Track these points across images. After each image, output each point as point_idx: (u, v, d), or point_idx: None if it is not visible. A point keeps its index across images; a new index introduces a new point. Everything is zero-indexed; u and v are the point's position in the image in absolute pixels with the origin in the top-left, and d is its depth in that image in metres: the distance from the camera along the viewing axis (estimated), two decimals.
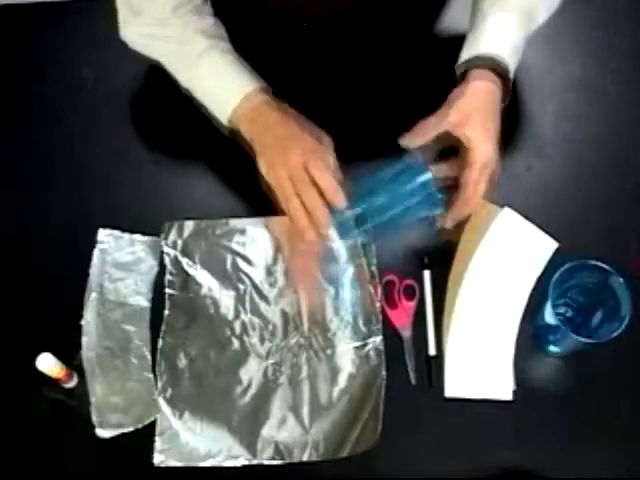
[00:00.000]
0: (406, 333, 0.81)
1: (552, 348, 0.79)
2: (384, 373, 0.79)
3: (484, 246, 0.84)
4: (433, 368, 0.80)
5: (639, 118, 0.92)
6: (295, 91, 0.83)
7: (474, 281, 0.82)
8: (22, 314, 0.85)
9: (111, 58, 0.97)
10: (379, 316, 0.81)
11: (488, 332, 0.81)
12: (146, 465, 0.77)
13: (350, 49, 0.96)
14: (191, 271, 0.85)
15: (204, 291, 0.84)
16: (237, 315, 0.83)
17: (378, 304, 0.82)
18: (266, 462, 0.77)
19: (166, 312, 0.83)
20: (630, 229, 0.86)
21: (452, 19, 0.98)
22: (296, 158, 0.74)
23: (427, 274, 0.84)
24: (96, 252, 0.86)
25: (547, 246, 0.84)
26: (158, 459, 0.77)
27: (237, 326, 0.83)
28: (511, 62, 0.78)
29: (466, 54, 0.78)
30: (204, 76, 0.83)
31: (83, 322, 0.82)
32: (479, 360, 0.80)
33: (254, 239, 0.87)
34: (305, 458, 0.77)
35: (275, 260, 0.86)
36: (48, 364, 0.76)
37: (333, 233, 0.75)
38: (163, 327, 0.83)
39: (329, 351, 0.81)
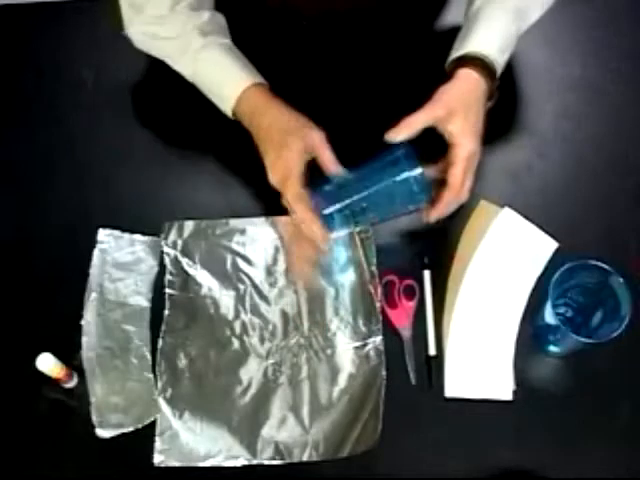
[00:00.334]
0: (406, 333, 0.81)
1: (552, 348, 0.79)
2: (384, 373, 0.79)
3: (484, 246, 0.84)
4: (433, 368, 0.80)
5: (639, 118, 0.92)
6: (294, 89, 0.83)
7: (474, 281, 0.82)
8: (22, 314, 0.85)
9: (111, 58, 0.98)
10: (379, 316, 0.81)
11: (488, 332, 0.81)
12: (146, 465, 0.77)
13: (349, 48, 0.96)
14: (191, 271, 0.85)
15: (204, 291, 0.84)
16: (237, 315, 0.83)
17: (378, 304, 0.82)
18: (266, 462, 0.77)
19: (166, 312, 0.83)
20: (630, 229, 0.86)
21: (451, 18, 0.98)
22: (292, 157, 0.75)
23: (427, 274, 0.84)
24: (96, 252, 0.86)
25: (547, 246, 0.84)
26: (158, 459, 0.77)
27: (237, 326, 0.83)
28: (499, 61, 0.78)
29: (455, 52, 0.79)
30: (203, 73, 0.83)
31: (83, 322, 0.82)
32: (479, 360, 0.80)
33: (254, 239, 0.87)
34: (305, 458, 0.77)
35: (275, 260, 0.86)
36: (48, 364, 0.76)
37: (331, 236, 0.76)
38: (163, 327, 0.83)
39: (329, 351, 0.81)
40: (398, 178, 0.75)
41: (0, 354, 0.83)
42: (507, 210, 0.85)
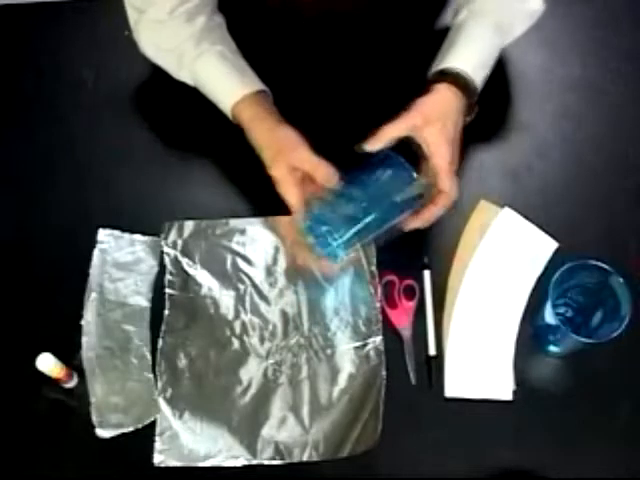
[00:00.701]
0: (406, 333, 0.81)
1: (552, 348, 0.79)
2: (384, 373, 0.79)
3: (484, 246, 0.84)
4: (433, 368, 0.80)
5: (639, 118, 0.92)
6: (294, 90, 0.84)
7: (474, 281, 0.82)
8: (22, 314, 0.85)
9: (111, 58, 0.97)
10: (379, 316, 0.81)
11: (488, 332, 0.81)
12: (146, 465, 0.77)
13: (349, 49, 0.96)
14: (191, 271, 0.85)
15: (204, 291, 0.84)
16: (237, 315, 0.83)
17: (378, 304, 0.82)
18: (266, 462, 0.77)
19: (166, 312, 0.83)
20: (630, 229, 0.86)
21: (450, 20, 0.97)
22: (284, 182, 0.75)
23: (427, 274, 0.84)
24: (96, 252, 0.86)
25: (547, 246, 0.84)
26: (158, 459, 0.77)
27: (237, 326, 0.83)
28: (478, 77, 0.79)
29: (435, 65, 0.80)
30: (200, 83, 0.84)
31: (83, 322, 0.82)
32: (479, 360, 0.80)
33: (254, 239, 0.87)
34: (305, 458, 0.77)
35: (275, 260, 0.86)
36: (48, 364, 0.76)
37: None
38: (163, 327, 0.83)
39: (329, 351, 0.81)
40: (397, 175, 0.75)
41: (0, 354, 0.83)
42: (507, 210, 0.85)
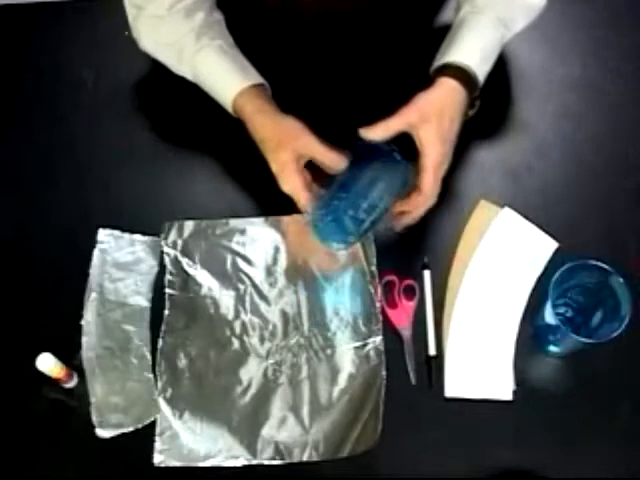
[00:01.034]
0: (406, 333, 0.81)
1: (552, 348, 0.79)
2: (384, 373, 0.79)
3: (484, 246, 0.84)
4: (433, 368, 0.80)
5: (639, 118, 0.92)
6: (294, 89, 0.84)
7: (474, 281, 0.82)
8: (22, 314, 0.85)
9: (111, 58, 0.97)
10: (379, 316, 0.81)
11: (488, 332, 0.81)
12: (146, 465, 0.77)
13: (349, 48, 0.95)
14: (191, 271, 0.85)
15: (204, 291, 0.84)
16: (237, 315, 0.83)
17: (378, 304, 0.82)
18: (266, 462, 0.77)
19: (166, 312, 0.83)
20: (630, 229, 0.86)
21: (450, 19, 0.97)
22: (291, 174, 0.76)
23: (427, 274, 0.84)
24: (96, 252, 0.86)
25: (547, 246, 0.84)
26: (158, 459, 0.77)
27: (237, 326, 0.83)
28: (480, 71, 0.79)
29: (437, 60, 0.80)
30: (200, 77, 0.84)
31: (83, 322, 0.82)
32: (479, 360, 0.80)
33: (254, 239, 0.87)
34: (305, 458, 0.77)
35: (275, 260, 0.86)
36: (48, 364, 0.76)
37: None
38: (163, 327, 0.83)
39: (329, 351, 0.81)
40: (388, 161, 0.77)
41: (0, 354, 0.83)
42: (507, 210, 0.85)
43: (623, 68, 0.95)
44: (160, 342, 0.82)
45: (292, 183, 0.76)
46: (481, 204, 0.87)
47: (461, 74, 0.78)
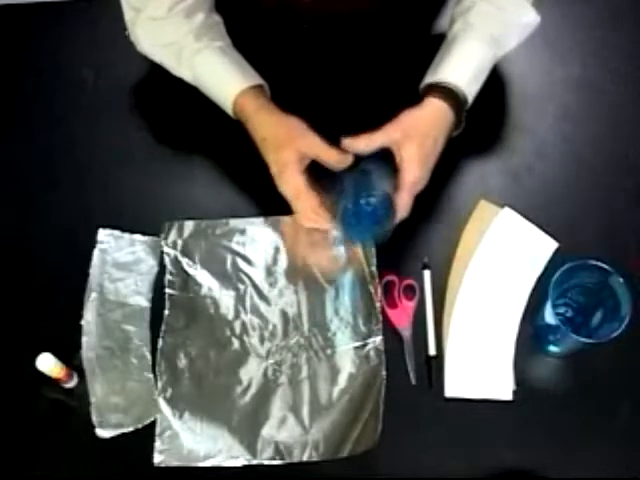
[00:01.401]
0: (406, 333, 0.81)
1: (552, 348, 0.79)
2: (384, 373, 0.79)
3: (484, 246, 0.84)
4: (433, 368, 0.80)
5: (639, 118, 0.92)
6: (292, 91, 0.84)
7: (474, 281, 0.82)
8: (22, 314, 0.85)
9: (111, 58, 0.97)
10: (379, 316, 0.81)
11: (488, 332, 0.81)
12: (146, 465, 0.77)
13: (347, 50, 0.96)
14: (191, 271, 0.85)
15: (204, 291, 0.84)
16: (237, 315, 0.83)
17: (378, 304, 0.82)
18: (266, 462, 0.77)
19: (166, 312, 0.83)
20: (630, 229, 0.86)
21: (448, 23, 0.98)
22: (293, 176, 0.76)
23: (427, 274, 0.84)
24: (96, 252, 0.86)
25: (547, 246, 0.84)
26: (158, 459, 0.77)
27: (237, 326, 0.83)
28: (470, 91, 0.80)
29: (428, 77, 0.80)
30: (200, 78, 0.84)
31: (83, 322, 0.82)
32: (479, 360, 0.80)
33: (254, 239, 0.87)
34: (305, 458, 0.77)
35: (275, 260, 0.86)
36: (48, 364, 0.76)
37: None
38: (163, 327, 0.83)
39: (329, 351, 0.81)
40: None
41: (0, 354, 0.83)
42: (507, 210, 0.85)
43: (623, 68, 0.95)
44: (160, 342, 0.82)
45: (294, 183, 0.76)
46: (481, 204, 0.87)
47: (450, 95, 0.78)
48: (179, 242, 0.86)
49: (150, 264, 0.86)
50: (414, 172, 0.76)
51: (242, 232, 0.87)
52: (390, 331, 0.81)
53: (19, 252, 0.88)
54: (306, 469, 0.77)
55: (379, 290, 0.82)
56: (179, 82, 0.86)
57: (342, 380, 0.80)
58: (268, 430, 0.78)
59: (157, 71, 0.87)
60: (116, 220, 0.87)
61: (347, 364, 0.80)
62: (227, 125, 0.83)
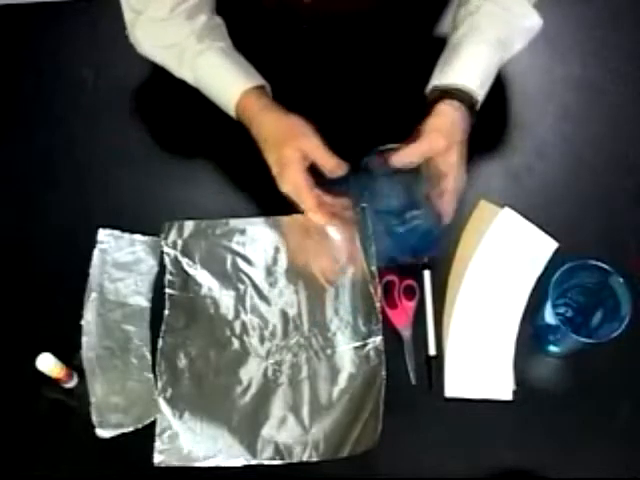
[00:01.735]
0: (406, 333, 0.81)
1: (552, 348, 0.79)
2: (384, 373, 0.79)
3: (484, 246, 0.84)
4: (433, 368, 0.80)
5: (639, 118, 0.92)
6: (292, 92, 0.83)
7: (474, 281, 0.82)
8: (22, 314, 0.85)
9: (111, 58, 0.97)
10: (379, 316, 0.81)
11: (488, 332, 0.81)
12: (146, 465, 0.77)
13: (347, 51, 0.95)
14: (191, 271, 0.85)
15: (204, 291, 0.84)
16: (237, 315, 0.83)
17: (378, 304, 0.82)
18: (266, 462, 0.77)
19: (166, 312, 0.83)
20: (630, 229, 0.86)
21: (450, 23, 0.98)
22: (295, 172, 0.76)
23: (427, 274, 0.83)
24: (96, 252, 0.86)
25: (547, 246, 0.84)
26: (158, 459, 0.77)
27: (237, 326, 0.83)
28: (481, 94, 0.80)
29: (437, 80, 0.80)
30: (202, 79, 0.84)
31: (83, 322, 0.82)
32: (479, 360, 0.80)
33: (254, 239, 0.86)
34: (305, 458, 0.77)
35: (275, 260, 0.86)
36: (48, 364, 0.76)
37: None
38: (163, 327, 0.83)
39: (329, 351, 0.81)
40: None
41: (0, 354, 0.83)
42: (507, 210, 0.85)
43: (623, 68, 0.95)
44: (160, 342, 0.82)
45: (296, 180, 0.76)
46: (481, 204, 0.87)
47: (466, 98, 0.79)
48: (179, 242, 0.86)
49: (150, 264, 0.86)
50: (461, 176, 0.77)
51: (242, 232, 0.87)
52: (390, 331, 0.81)
53: (19, 252, 0.88)
54: (306, 469, 0.77)
55: (379, 290, 0.82)
56: (179, 82, 0.86)
57: (342, 380, 0.80)
58: (268, 430, 0.78)
59: (157, 71, 0.87)
60: (116, 220, 0.87)
61: (347, 364, 0.80)
62: (227, 125, 0.83)
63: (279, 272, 0.85)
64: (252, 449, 0.77)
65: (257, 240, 0.86)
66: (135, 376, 0.81)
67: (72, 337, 0.81)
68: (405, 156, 0.77)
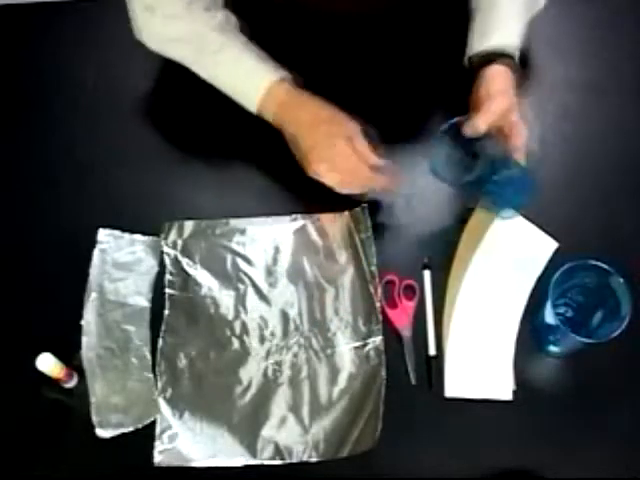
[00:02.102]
0: (406, 333, 0.81)
1: (552, 348, 0.79)
2: (384, 373, 0.79)
3: (484, 246, 0.84)
4: (433, 368, 0.80)
5: (639, 118, 0.92)
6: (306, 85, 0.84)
7: (474, 281, 0.82)
8: (22, 314, 0.85)
9: (111, 58, 0.97)
10: (379, 316, 0.81)
11: (488, 332, 0.81)
12: (146, 465, 0.77)
13: (355, 44, 0.95)
14: (191, 271, 0.85)
15: (204, 291, 0.84)
16: (237, 315, 0.83)
17: (378, 304, 0.82)
18: (266, 462, 0.77)
19: (166, 312, 0.83)
20: (630, 229, 0.86)
21: (456, 21, 0.97)
22: (341, 142, 0.79)
23: (427, 274, 0.84)
24: (96, 252, 0.86)
25: (547, 246, 0.84)
26: (158, 459, 0.77)
27: (237, 326, 0.83)
28: (517, 54, 0.81)
29: (479, 45, 0.80)
30: (224, 74, 0.83)
31: (83, 322, 0.82)
32: (479, 360, 0.80)
33: (254, 239, 0.86)
34: (305, 458, 0.77)
35: (275, 260, 0.86)
36: (48, 364, 0.76)
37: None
38: (163, 327, 0.83)
39: (329, 351, 0.81)
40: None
41: (0, 354, 0.83)
42: (507, 210, 0.85)
43: (623, 68, 0.95)
44: (160, 342, 0.82)
45: (353, 148, 0.79)
46: (481, 204, 0.87)
47: (511, 57, 0.80)
48: (179, 242, 0.86)
49: (150, 264, 0.86)
50: (524, 132, 0.78)
51: (242, 232, 0.87)
52: (390, 331, 0.81)
53: (19, 252, 0.88)
54: (306, 469, 0.77)
55: (379, 290, 0.82)
56: (179, 82, 0.86)
57: (342, 380, 0.80)
58: (268, 430, 0.78)
59: (157, 71, 0.88)
60: (116, 220, 0.87)
61: (347, 364, 0.80)
62: (227, 125, 0.83)
63: (279, 272, 0.85)
64: (252, 449, 0.77)
65: (257, 240, 0.86)
66: (135, 376, 0.81)
67: (72, 337, 0.81)
68: (478, 123, 0.77)
